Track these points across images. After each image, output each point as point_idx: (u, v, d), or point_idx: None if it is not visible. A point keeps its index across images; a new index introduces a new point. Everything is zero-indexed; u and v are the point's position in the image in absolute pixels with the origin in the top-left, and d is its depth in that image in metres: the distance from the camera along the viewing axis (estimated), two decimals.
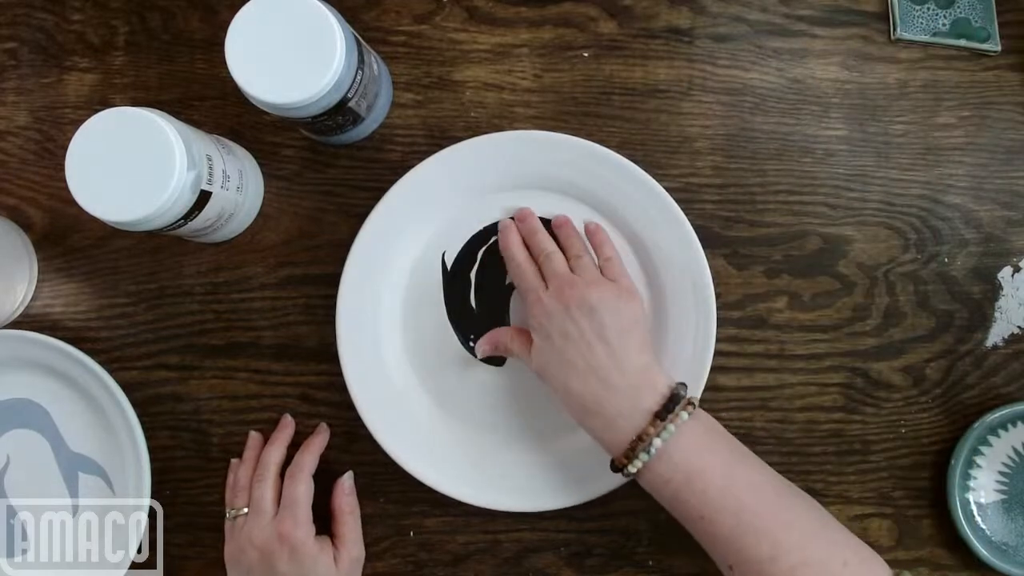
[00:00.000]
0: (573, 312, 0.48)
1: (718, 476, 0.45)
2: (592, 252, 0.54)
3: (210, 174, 0.48)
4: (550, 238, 0.53)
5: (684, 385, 0.48)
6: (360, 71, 0.49)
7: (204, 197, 0.48)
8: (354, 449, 0.56)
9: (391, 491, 0.56)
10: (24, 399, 0.56)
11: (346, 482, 0.55)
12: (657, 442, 0.44)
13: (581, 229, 0.55)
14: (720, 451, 0.46)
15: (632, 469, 0.45)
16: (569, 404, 0.48)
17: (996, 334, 0.58)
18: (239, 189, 0.53)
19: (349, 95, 0.48)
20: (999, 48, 0.58)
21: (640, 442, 0.45)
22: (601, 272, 0.52)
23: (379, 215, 0.54)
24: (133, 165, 0.45)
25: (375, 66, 0.52)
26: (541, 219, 0.56)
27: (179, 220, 0.48)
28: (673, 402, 0.46)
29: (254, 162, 0.57)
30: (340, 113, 0.50)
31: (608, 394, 0.46)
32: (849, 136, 0.58)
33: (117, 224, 0.46)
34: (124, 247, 0.58)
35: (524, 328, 0.52)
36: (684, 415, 0.45)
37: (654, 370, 0.48)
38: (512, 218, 0.55)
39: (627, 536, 0.56)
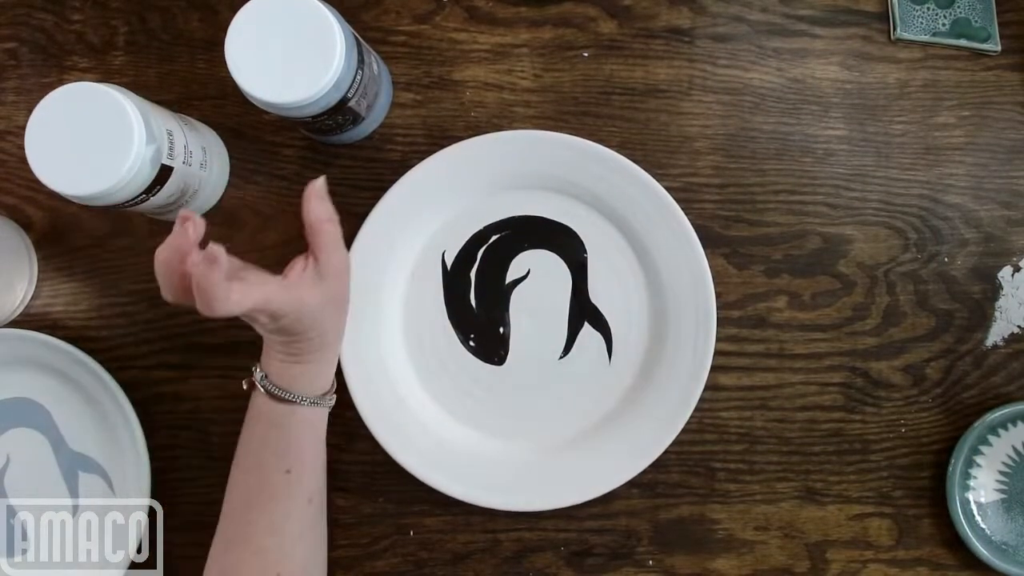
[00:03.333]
0: None
1: None
2: None
3: (171, 149, 0.48)
4: None
5: None
6: (360, 71, 0.49)
7: (165, 172, 0.48)
8: (354, 449, 0.56)
9: (391, 491, 0.56)
10: (24, 399, 0.56)
11: (317, 185, 0.47)
12: None
13: (579, 226, 0.55)
14: None
15: None
16: None
17: (996, 334, 0.58)
18: (203, 166, 0.53)
19: (349, 95, 0.48)
20: (999, 48, 0.59)
21: None
22: None
23: (379, 215, 0.54)
24: (92, 139, 0.45)
25: (375, 66, 0.52)
26: (539, 219, 0.56)
27: (140, 195, 0.47)
28: None
29: (219, 140, 0.56)
30: (340, 113, 0.50)
31: None
32: (849, 136, 0.58)
33: (78, 198, 0.46)
34: (124, 246, 0.58)
35: None
36: None
37: None
38: None
39: (627, 536, 0.56)
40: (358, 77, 0.49)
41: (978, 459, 0.56)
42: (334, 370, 0.51)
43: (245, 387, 0.49)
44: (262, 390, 0.47)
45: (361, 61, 0.49)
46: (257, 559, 0.46)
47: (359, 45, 0.49)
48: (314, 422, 0.49)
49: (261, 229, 0.57)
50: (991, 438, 0.56)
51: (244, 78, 0.46)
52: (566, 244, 0.56)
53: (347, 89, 0.48)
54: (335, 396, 0.51)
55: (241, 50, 0.46)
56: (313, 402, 0.48)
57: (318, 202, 0.47)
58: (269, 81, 0.46)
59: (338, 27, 0.46)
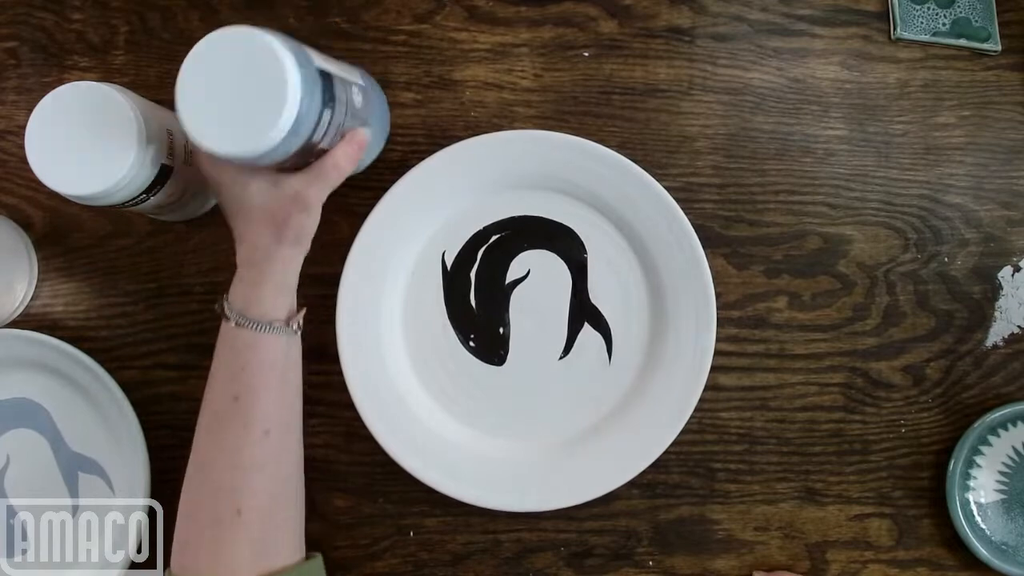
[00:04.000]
0: None
1: None
2: None
3: (171, 149, 0.48)
4: None
5: None
6: (330, 109, 0.43)
7: (165, 172, 0.48)
8: (354, 449, 0.56)
9: (391, 491, 0.56)
10: (24, 399, 0.56)
11: (359, 136, 0.48)
12: None
13: (579, 226, 0.55)
14: None
15: None
16: None
17: (996, 334, 0.58)
18: None
19: (315, 139, 0.43)
20: (999, 48, 0.59)
21: None
22: None
23: (379, 215, 0.54)
24: (92, 139, 0.45)
25: (357, 99, 0.48)
26: (539, 219, 0.56)
27: (140, 195, 0.48)
28: None
29: None
30: (311, 155, 0.45)
31: None
32: (849, 136, 0.58)
33: (78, 198, 0.46)
34: (124, 246, 0.58)
35: None
36: None
37: None
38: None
39: (627, 536, 0.56)
40: (325, 117, 0.43)
41: (978, 459, 0.56)
42: (286, 300, 0.48)
43: (217, 311, 0.48)
44: (220, 311, 0.47)
45: (332, 99, 0.43)
46: (213, 494, 0.46)
47: (329, 81, 0.44)
48: (266, 349, 0.47)
49: None
50: (991, 438, 0.56)
51: (194, 126, 0.41)
52: (566, 244, 0.56)
53: (310, 133, 0.42)
54: (297, 330, 0.48)
55: (192, 95, 0.41)
56: (264, 328, 0.47)
57: (350, 144, 0.48)
58: (218, 131, 0.40)
59: (293, 68, 0.40)
